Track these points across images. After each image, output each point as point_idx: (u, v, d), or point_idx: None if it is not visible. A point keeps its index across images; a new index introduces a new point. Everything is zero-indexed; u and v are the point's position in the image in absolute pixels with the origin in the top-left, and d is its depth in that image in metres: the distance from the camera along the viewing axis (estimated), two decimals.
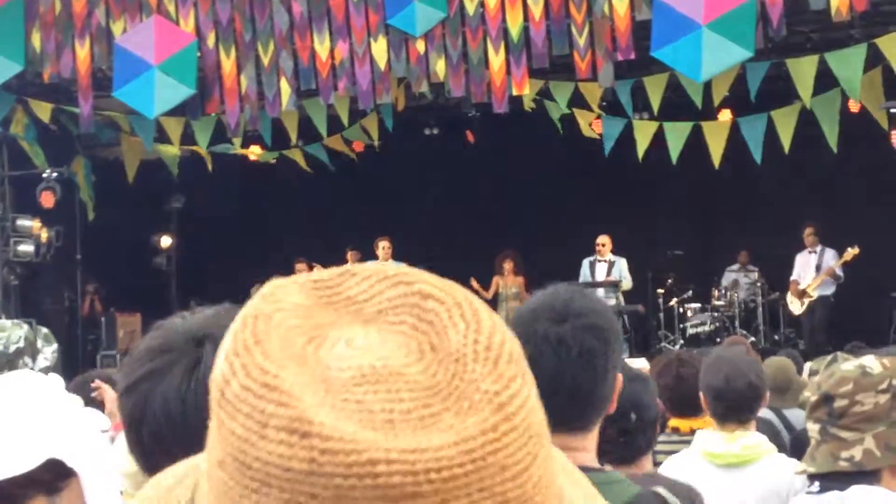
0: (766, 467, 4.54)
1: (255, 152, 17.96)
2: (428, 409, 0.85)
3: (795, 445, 6.03)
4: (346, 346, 0.89)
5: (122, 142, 17.64)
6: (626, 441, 3.55)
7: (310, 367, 0.87)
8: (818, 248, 16.28)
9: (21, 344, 4.69)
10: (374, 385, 0.86)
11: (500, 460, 0.84)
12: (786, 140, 14.99)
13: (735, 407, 4.49)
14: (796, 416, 6.28)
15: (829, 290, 16.11)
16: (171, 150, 17.26)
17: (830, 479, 2.71)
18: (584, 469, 2.19)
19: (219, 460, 0.88)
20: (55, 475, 1.90)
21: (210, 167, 17.27)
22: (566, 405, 2.23)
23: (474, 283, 17.16)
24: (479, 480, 0.83)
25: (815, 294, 16.04)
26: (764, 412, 6.88)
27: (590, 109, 15.66)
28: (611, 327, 2.35)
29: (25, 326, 4.87)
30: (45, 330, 4.94)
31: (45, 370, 4.85)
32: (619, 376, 2.38)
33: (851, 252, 15.58)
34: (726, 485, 4.29)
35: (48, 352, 4.85)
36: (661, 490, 2.37)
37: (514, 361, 0.89)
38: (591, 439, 2.36)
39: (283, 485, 0.83)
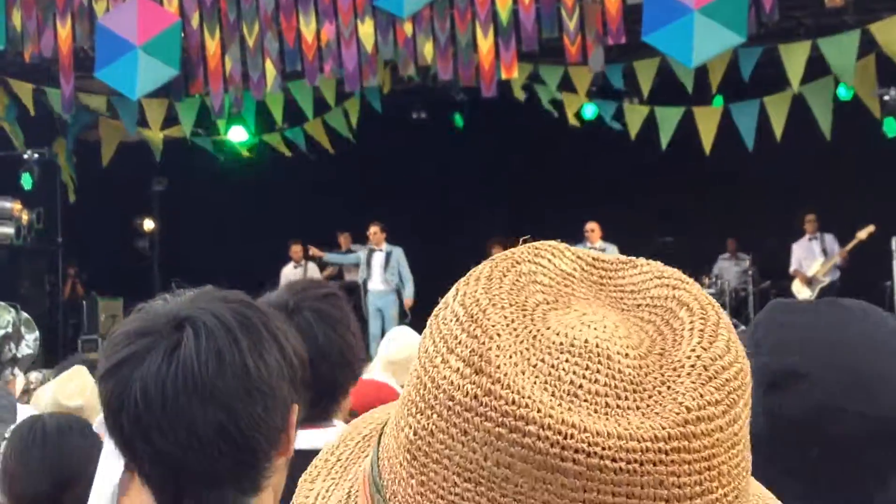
0: None
1: (234, 140, 17.78)
2: (618, 401, 0.83)
3: None
4: (578, 318, 0.87)
5: (99, 125, 17.42)
6: None
7: (527, 321, 0.87)
8: (818, 235, 16.20)
9: (9, 329, 4.58)
10: (576, 357, 0.84)
11: (660, 473, 0.81)
12: (778, 127, 14.90)
13: None
14: None
15: (836, 276, 16.06)
16: (157, 136, 17.06)
17: None
18: None
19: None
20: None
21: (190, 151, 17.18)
22: None
23: None
24: (628, 483, 0.81)
25: (826, 280, 15.96)
26: None
27: (578, 94, 15.52)
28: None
29: (13, 311, 4.75)
30: (26, 316, 4.82)
31: (28, 358, 4.73)
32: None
33: (867, 230, 15.43)
34: None
35: (30, 339, 4.74)
36: None
37: (724, 387, 0.85)
38: None
39: (443, 412, 0.84)
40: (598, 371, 0.83)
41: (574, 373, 0.83)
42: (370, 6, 14.53)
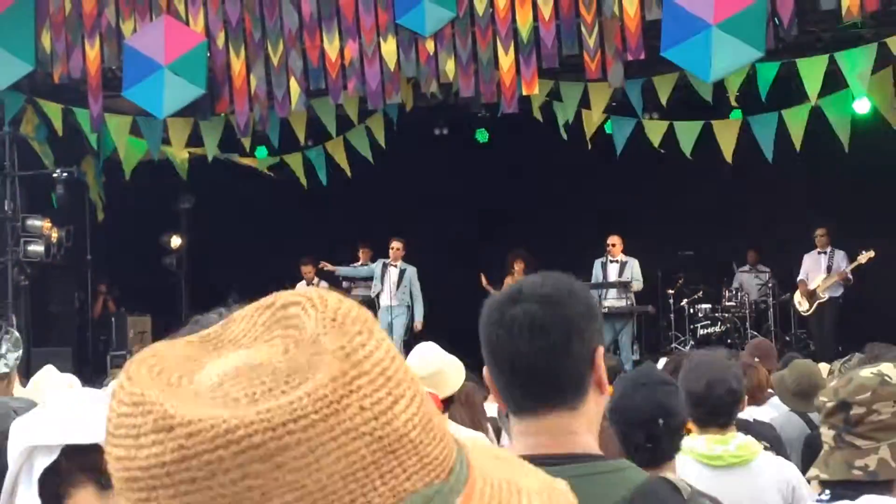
0: (762, 465, 4.60)
1: (253, 162, 17.89)
2: (289, 384, 0.91)
3: (809, 443, 6.00)
4: (216, 363, 0.96)
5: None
6: (653, 446, 3.55)
7: (181, 389, 0.94)
8: (828, 250, 16.23)
9: None
10: (235, 378, 0.92)
11: (356, 401, 0.90)
12: (797, 139, 14.97)
13: (715, 412, 4.53)
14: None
15: (838, 292, 16.07)
16: (181, 155, 17.21)
17: (842, 487, 2.68)
18: (583, 457, 2.17)
19: (116, 490, 0.95)
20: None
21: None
22: (531, 382, 2.20)
23: (483, 280, 17.15)
24: (339, 423, 0.89)
25: (825, 296, 15.99)
26: (788, 416, 6.83)
27: (598, 111, 15.60)
28: (570, 295, 2.26)
29: None
30: (17, 335, 4.94)
31: (1, 376, 4.88)
32: (599, 349, 2.26)
33: (867, 255, 15.52)
34: (723, 486, 4.30)
35: (11, 358, 4.86)
36: (670, 476, 2.32)
37: (358, 322, 0.95)
38: (581, 419, 2.24)
39: (164, 481, 0.89)
40: (259, 376, 0.92)
41: (242, 387, 0.91)
42: (393, 24, 14.70)
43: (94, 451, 2.06)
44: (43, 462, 2.15)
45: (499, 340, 2.22)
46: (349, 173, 17.09)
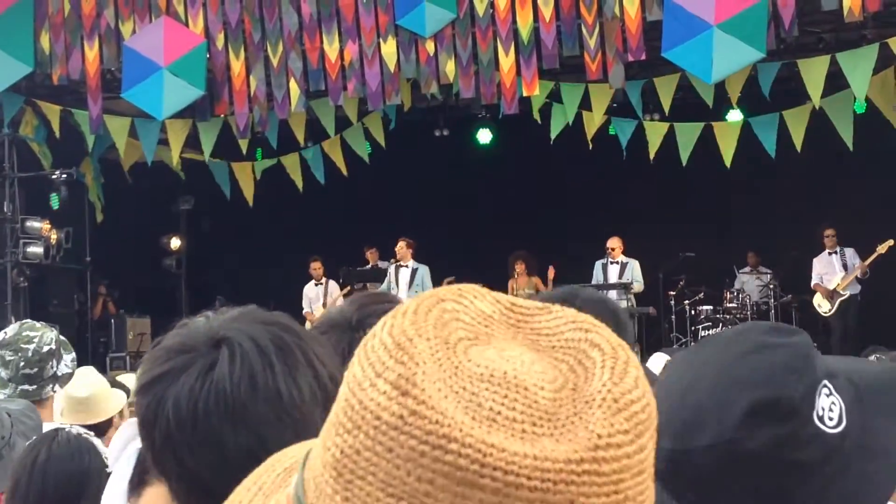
0: None
1: (246, 169, 17.85)
2: (533, 427, 0.89)
3: None
4: (497, 353, 0.93)
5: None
6: None
7: (450, 352, 0.92)
8: (838, 249, 16.20)
9: (53, 346, 4.74)
10: (494, 386, 0.90)
11: (571, 495, 0.87)
12: (797, 140, 14.94)
13: None
14: None
15: (857, 289, 16.06)
16: (173, 158, 17.12)
17: None
18: None
19: (337, 398, 0.95)
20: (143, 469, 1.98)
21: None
22: None
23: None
24: (540, 500, 0.86)
25: (846, 293, 15.97)
26: None
27: (599, 113, 15.56)
28: (606, 315, 2.21)
29: (55, 330, 4.95)
30: (63, 338, 4.99)
31: (67, 377, 4.89)
32: None
33: (886, 244, 15.43)
34: None
35: (68, 359, 4.90)
36: None
37: (633, 419, 0.92)
38: None
39: (370, 431, 0.89)
40: (515, 400, 0.89)
41: (493, 400, 0.89)
42: (393, 25, 14.68)
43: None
44: (135, 446, 2.10)
45: None
46: (345, 172, 17.03)
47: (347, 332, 2.19)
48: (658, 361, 5.61)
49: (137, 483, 2.12)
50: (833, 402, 1.50)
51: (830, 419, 1.48)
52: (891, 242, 15.34)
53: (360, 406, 0.90)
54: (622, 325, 2.25)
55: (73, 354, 4.91)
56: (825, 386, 1.50)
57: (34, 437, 3.57)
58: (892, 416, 1.56)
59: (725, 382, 1.47)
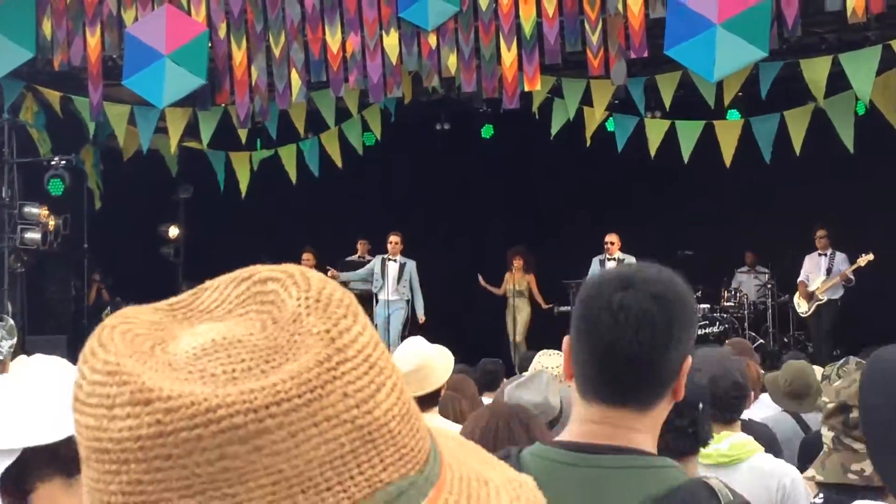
0: (754, 466, 4.54)
1: (244, 159, 17.84)
2: (269, 364, 0.89)
3: (805, 445, 5.96)
4: (191, 336, 0.93)
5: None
6: (695, 431, 3.54)
7: (155, 358, 0.91)
8: (829, 252, 16.18)
9: None
10: (213, 354, 0.90)
11: (339, 387, 0.89)
12: (797, 141, 14.93)
13: (720, 407, 4.44)
14: (815, 419, 6.18)
15: (838, 294, 16.02)
16: (171, 146, 17.07)
17: (836, 491, 2.64)
18: (626, 450, 2.14)
19: (83, 459, 0.92)
20: (76, 455, 1.95)
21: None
22: (622, 373, 2.16)
23: (482, 281, 17.16)
24: (322, 409, 0.87)
25: (824, 297, 15.94)
26: (780, 416, 6.79)
27: (600, 109, 15.55)
28: (679, 300, 2.22)
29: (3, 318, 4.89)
30: (11, 323, 4.93)
31: None
32: (688, 359, 2.25)
33: (865, 258, 15.46)
34: None
35: (5, 346, 4.84)
36: (711, 481, 2.26)
37: (343, 306, 0.94)
38: (647, 421, 2.23)
39: (137, 456, 0.86)
40: (239, 354, 0.89)
41: (221, 364, 0.89)
42: (395, 18, 14.66)
43: (60, 444, 2.01)
44: (2, 464, 2.08)
45: (601, 322, 2.17)
46: (339, 165, 17.01)
47: None
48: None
49: (16, 491, 2.13)
50: None
51: None
52: (870, 257, 15.36)
53: (112, 443, 0.88)
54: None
55: (13, 341, 4.88)
56: None
57: None
58: None
59: None
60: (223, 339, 0.91)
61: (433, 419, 5.26)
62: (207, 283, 1.01)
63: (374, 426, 0.90)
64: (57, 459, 2.03)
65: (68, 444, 1.95)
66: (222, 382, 0.87)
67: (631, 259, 16.12)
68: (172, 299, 1.01)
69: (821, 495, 2.73)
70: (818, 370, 7.57)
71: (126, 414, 0.87)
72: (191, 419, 0.85)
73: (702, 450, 4.47)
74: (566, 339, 2.26)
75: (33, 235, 16.19)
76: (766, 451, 5.25)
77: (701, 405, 3.47)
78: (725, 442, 4.49)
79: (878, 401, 1.70)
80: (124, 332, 0.94)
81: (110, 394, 0.88)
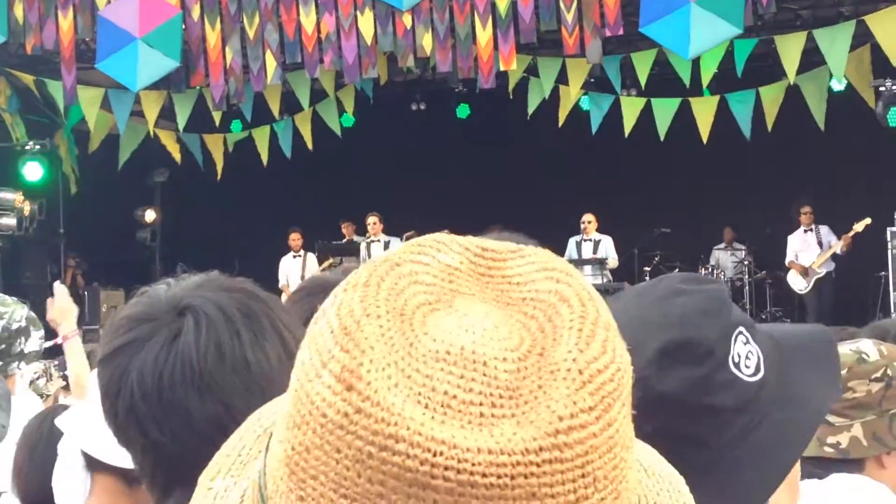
0: None
1: (218, 141, 17.78)
2: (493, 409, 0.83)
3: None
4: (456, 321, 0.87)
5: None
6: None
7: (405, 328, 0.86)
8: (813, 227, 16.25)
9: (23, 323, 4.68)
10: (451, 366, 0.84)
11: (531, 486, 0.81)
12: (770, 117, 14.98)
13: None
14: None
15: (831, 267, 16.12)
16: (149, 128, 16.97)
17: (813, 465, 2.64)
18: None
19: (289, 386, 0.90)
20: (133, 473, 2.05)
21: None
22: None
23: None
24: (500, 498, 0.81)
25: (822, 271, 16.03)
26: None
27: (576, 87, 15.55)
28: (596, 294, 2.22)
29: (26, 307, 4.89)
30: (32, 314, 4.93)
31: (34, 354, 4.84)
32: None
33: (863, 222, 15.44)
34: None
35: (36, 336, 4.84)
36: None
37: (599, 392, 0.85)
38: None
39: (317, 429, 0.84)
40: (472, 379, 0.83)
41: (448, 382, 0.83)
42: None
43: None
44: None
45: None
46: (310, 147, 16.97)
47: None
48: None
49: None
50: (750, 351, 1.48)
51: (747, 367, 1.46)
52: (867, 221, 15.37)
53: (307, 399, 0.85)
54: None
55: (42, 331, 4.86)
56: (741, 333, 1.48)
57: (6, 406, 3.54)
58: (809, 369, 1.55)
59: (637, 325, 1.42)
60: (472, 352, 0.84)
61: None
62: (531, 250, 0.95)
63: None
64: (115, 468, 2.09)
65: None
66: (434, 406, 0.82)
67: (608, 239, 16.17)
68: (490, 244, 0.94)
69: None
70: None
71: (328, 384, 0.84)
72: (373, 433, 0.81)
73: None
74: None
75: (8, 221, 16.10)
76: None
77: None
78: None
79: None
80: (406, 274, 0.89)
81: (331, 351, 0.85)
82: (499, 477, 0.80)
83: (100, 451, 2.10)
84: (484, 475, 0.80)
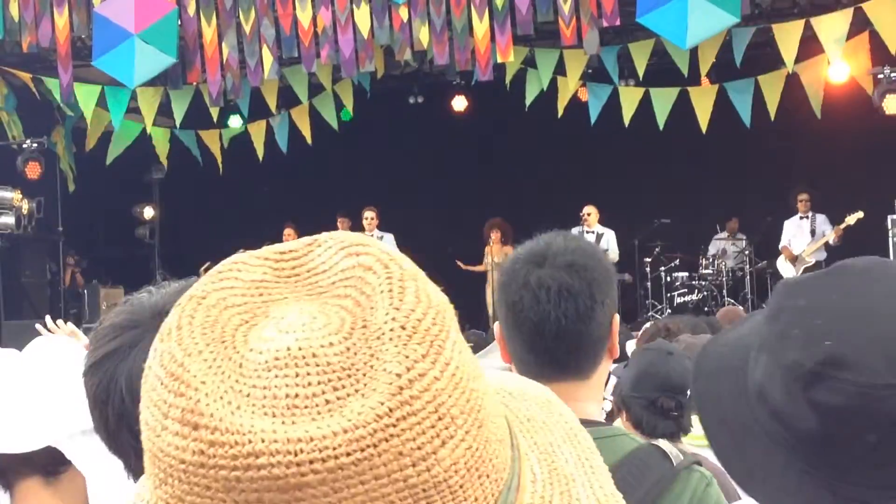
0: None
1: (214, 137, 17.76)
2: (336, 392, 0.85)
3: None
4: (275, 327, 0.88)
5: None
6: (679, 415, 3.64)
7: (229, 350, 0.87)
8: (810, 214, 16.23)
9: None
10: (283, 369, 0.85)
11: (395, 446, 0.84)
12: (772, 106, 14.94)
13: None
14: None
15: (822, 256, 16.09)
16: (147, 126, 16.94)
17: None
18: (584, 422, 2.16)
19: (144, 450, 0.90)
20: (54, 460, 1.92)
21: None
22: (553, 349, 2.21)
23: (462, 265, 17.11)
24: (371, 468, 0.83)
25: (811, 260, 15.99)
26: None
27: (574, 79, 15.52)
28: (594, 265, 2.27)
29: None
30: None
31: None
32: (615, 317, 2.30)
33: (855, 216, 15.45)
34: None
35: None
36: (662, 443, 2.30)
37: (427, 340, 0.87)
38: (589, 388, 2.30)
39: (180, 476, 0.84)
40: (308, 374, 0.85)
41: (286, 385, 0.85)
42: None
43: (35, 452, 1.95)
44: None
45: (523, 302, 2.21)
46: (309, 141, 16.95)
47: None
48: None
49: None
50: None
51: None
52: (860, 215, 15.36)
53: (161, 454, 0.86)
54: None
55: None
56: None
57: None
58: None
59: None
60: (298, 349, 0.86)
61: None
62: (325, 237, 0.97)
63: (430, 484, 0.85)
64: (31, 463, 1.98)
65: (44, 451, 1.90)
66: (282, 411, 0.84)
67: (610, 232, 16.15)
68: (287, 245, 0.97)
69: None
70: None
71: (175, 432, 0.85)
72: (232, 459, 0.83)
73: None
74: (496, 326, 2.29)
75: (7, 220, 16.07)
76: None
77: (689, 392, 3.50)
78: None
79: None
80: (214, 304, 0.90)
81: (167, 401, 0.86)
82: (361, 451, 0.82)
83: (19, 442, 2.00)
84: (347, 454, 0.82)
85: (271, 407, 0.84)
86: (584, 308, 2.21)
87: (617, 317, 2.31)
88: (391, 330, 0.87)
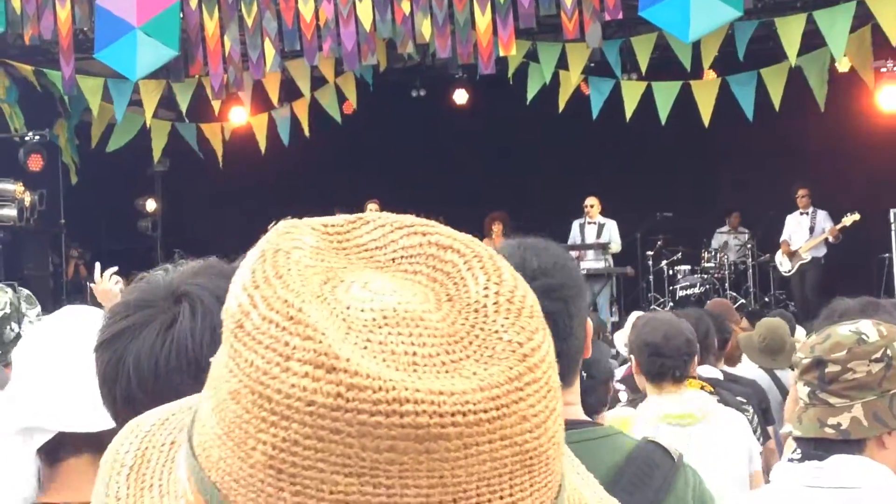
0: (719, 423, 4.66)
1: (216, 129, 17.78)
2: (450, 356, 0.86)
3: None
4: (363, 289, 0.89)
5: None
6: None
7: (330, 306, 0.87)
8: (810, 210, 16.23)
9: (7, 310, 4.58)
10: (395, 327, 0.86)
11: (522, 409, 0.86)
12: (776, 99, 14.92)
13: (671, 364, 4.58)
14: (789, 377, 6.25)
15: (821, 252, 16.08)
16: (147, 119, 16.95)
17: (813, 446, 2.63)
18: (576, 423, 2.23)
19: (232, 392, 0.87)
20: (110, 438, 1.95)
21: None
22: None
23: None
24: (500, 428, 0.85)
25: (807, 256, 15.99)
26: (755, 372, 6.83)
27: (576, 72, 15.51)
28: (566, 280, 2.30)
29: (9, 290, 4.76)
30: (26, 292, 4.81)
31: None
32: (589, 323, 2.35)
33: (851, 218, 15.48)
34: (684, 442, 4.33)
35: (32, 314, 4.73)
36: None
37: (535, 316, 0.91)
38: (573, 393, 2.35)
39: (304, 419, 0.83)
40: (420, 335, 0.86)
41: (402, 342, 0.86)
42: None
43: (98, 434, 1.96)
44: (41, 439, 2.05)
45: None
46: (307, 134, 16.95)
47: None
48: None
49: (46, 459, 2.08)
50: None
51: None
52: (856, 217, 15.38)
53: (280, 396, 0.84)
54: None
55: (38, 308, 4.77)
56: None
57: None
58: None
59: None
60: (404, 311, 0.87)
61: None
62: (367, 215, 0.97)
63: (537, 451, 0.88)
64: (93, 443, 1.97)
65: (109, 431, 1.94)
66: (404, 366, 0.85)
67: (612, 223, 16.15)
68: (326, 220, 0.97)
69: (798, 450, 2.73)
70: (801, 330, 7.61)
71: (304, 373, 0.83)
72: (374, 404, 0.82)
73: (672, 412, 4.56)
74: None
75: (9, 212, 16.09)
76: (756, 407, 5.39)
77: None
78: (691, 403, 4.59)
79: None
80: (298, 260, 0.90)
81: (289, 342, 0.84)
82: (497, 409, 0.84)
83: (80, 422, 2.02)
84: (485, 411, 0.84)
85: (392, 361, 0.85)
86: (563, 327, 2.24)
87: (590, 322, 2.35)
88: (495, 304, 0.89)
